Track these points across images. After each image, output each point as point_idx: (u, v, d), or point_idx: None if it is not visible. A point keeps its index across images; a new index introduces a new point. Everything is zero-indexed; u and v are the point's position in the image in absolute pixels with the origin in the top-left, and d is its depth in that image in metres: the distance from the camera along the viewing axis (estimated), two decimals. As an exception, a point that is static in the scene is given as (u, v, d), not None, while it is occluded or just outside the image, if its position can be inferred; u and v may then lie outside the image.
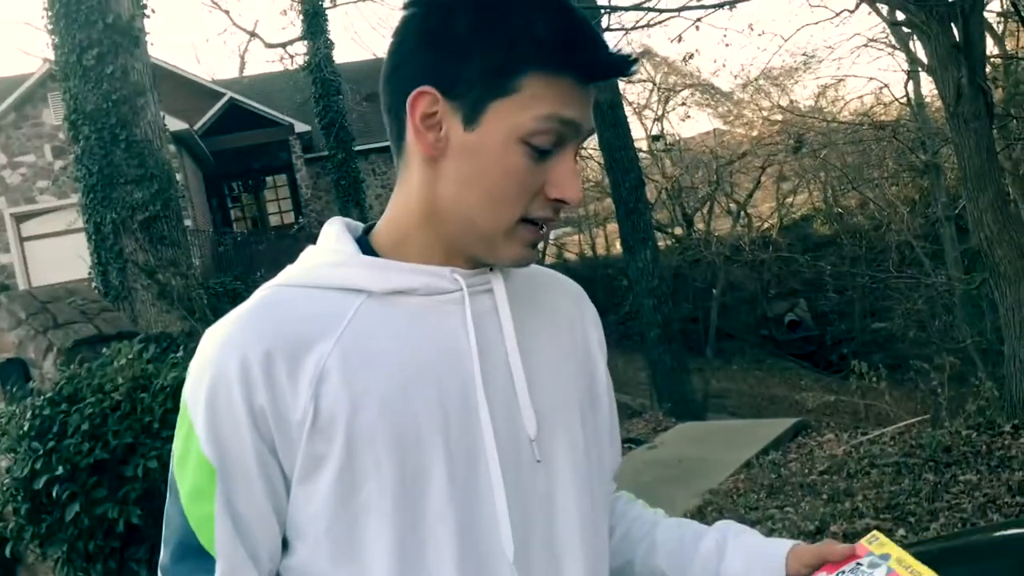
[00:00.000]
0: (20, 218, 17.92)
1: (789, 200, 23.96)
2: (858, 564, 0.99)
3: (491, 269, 0.99)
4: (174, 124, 15.44)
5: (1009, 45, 14.02)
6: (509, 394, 0.96)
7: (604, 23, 12.33)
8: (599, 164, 20.01)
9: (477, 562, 0.91)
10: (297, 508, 0.91)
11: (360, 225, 1.04)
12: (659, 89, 23.04)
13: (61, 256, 16.07)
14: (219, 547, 0.90)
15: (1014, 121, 11.75)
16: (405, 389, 0.90)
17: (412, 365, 0.92)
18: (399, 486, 0.89)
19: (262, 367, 0.88)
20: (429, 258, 0.97)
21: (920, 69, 13.75)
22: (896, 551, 1.00)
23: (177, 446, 0.93)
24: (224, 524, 0.90)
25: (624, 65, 0.92)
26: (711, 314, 18.40)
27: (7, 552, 4.93)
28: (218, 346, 0.91)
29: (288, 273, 0.98)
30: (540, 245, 1.01)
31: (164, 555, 0.94)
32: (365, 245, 0.99)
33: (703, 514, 5.38)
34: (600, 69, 0.92)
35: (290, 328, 0.91)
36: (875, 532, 1.02)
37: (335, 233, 1.00)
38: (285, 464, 0.90)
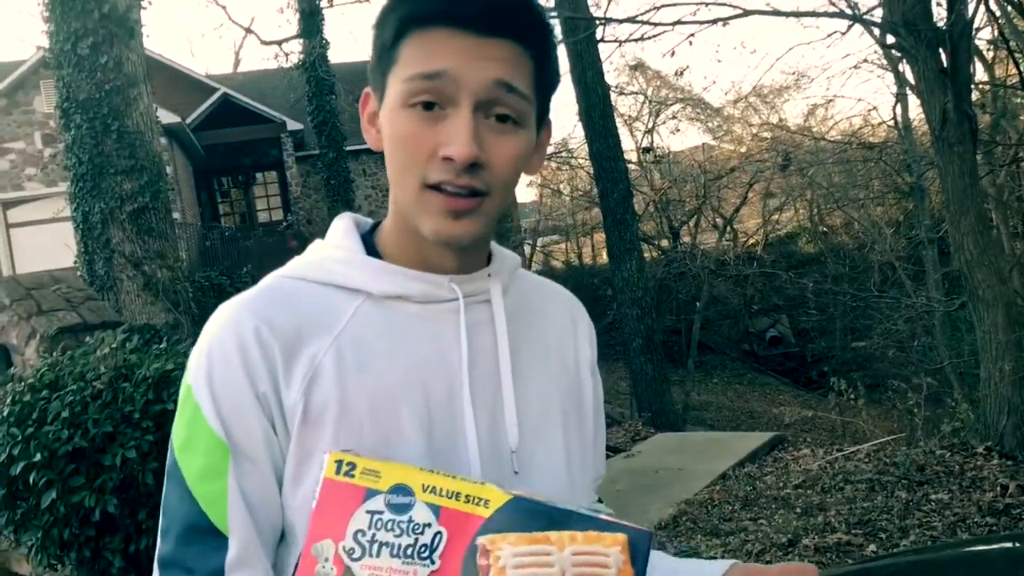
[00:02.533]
0: (7, 204, 17.84)
1: (775, 217, 24.09)
2: (371, 514, 0.79)
3: (489, 276, 1.00)
4: (166, 117, 15.41)
5: (998, 72, 14.19)
6: (495, 405, 0.96)
7: (599, 34, 12.41)
8: (588, 174, 20.08)
9: None
10: (285, 501, 0.91)
11: (369, 222, 1.05)
12: (650, 102, 23.14)
13: (47, 244, 16.01)
14: (232, 523, 0.88)
15: (999, 147, 11.90)
16: (393, 393, 0.91)
17: (403, 370, 0.93)
18: None
19: (262, 353, 0.90)
20: (413, 253, 0.97)
21: (908, 91, 13.91)
22: (408, 475, 0.80)
23: (179, 433, 0.92)
24: (237, 500, 0.89)
25: (503, 6, 0.90)
26: (694, 327, 18.48)
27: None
28: (221, 329, 0.92)
29: (294, 264, 1.00)
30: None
31: (164, 546, 0.90)
32: (370, 243, 1.00)
33: (677, 523, 5.43)
34: (469, 8, 0.88)
35: (290, 320, 0.92)
36: (336, 455, 0.82)
37: (343, 229, 1.01)
38: (282, 447, 0.91)
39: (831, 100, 22.35)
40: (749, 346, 22.42)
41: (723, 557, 4.73)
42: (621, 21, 10.40)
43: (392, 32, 0.91)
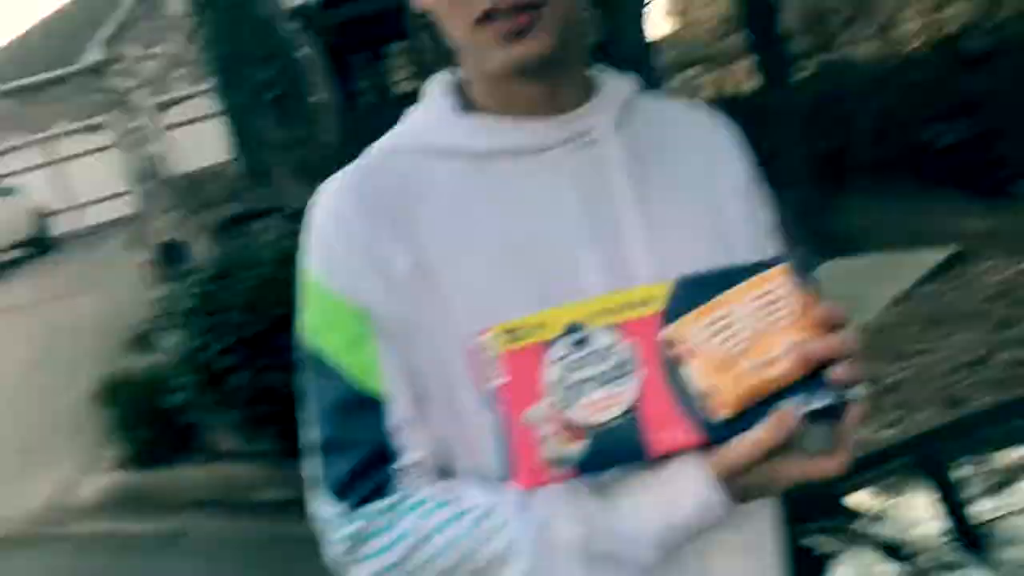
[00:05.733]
0: (162, 107, 18.63)
1: (939, 14, 22.13)
2: (558, 362, 0.77)
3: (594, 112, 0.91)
4: (294, -1, 15.43)
5: None
6: (618, 253, 0.87)
7: None
8: (728, -4, 18.92)
9: None
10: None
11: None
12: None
13: (204, 140, 16.69)
14: (389, 385, 0.85)
15: None
16: (501, 255, 0.85)
17: (509, 230, 0.86)
18: None
19: (369, 224, 0.86)
20: (499, 101, 0.90)
21: None
22: (570, 313, 0.77)
23: (310, 320, 0.89)
24: (389, 361, 0.85)
25: None
26: (856, 144, 17.51)
27: (181, 422, 5.29)
28: (326, 208, 0.89)
29: (390, 135, 0.95)
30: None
31: (317, 432, 0.87)
32: (466, 100, 0.93)
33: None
34: None
35: (388, 189, 0.88)
36: (495, 329, 0.77)
37: (437, 88, 0.95)
38: (396, 312, 0.86)
39: None
40: (919, 157, 21.12)
41: (909, 381, 4.54)
42: None
43: None
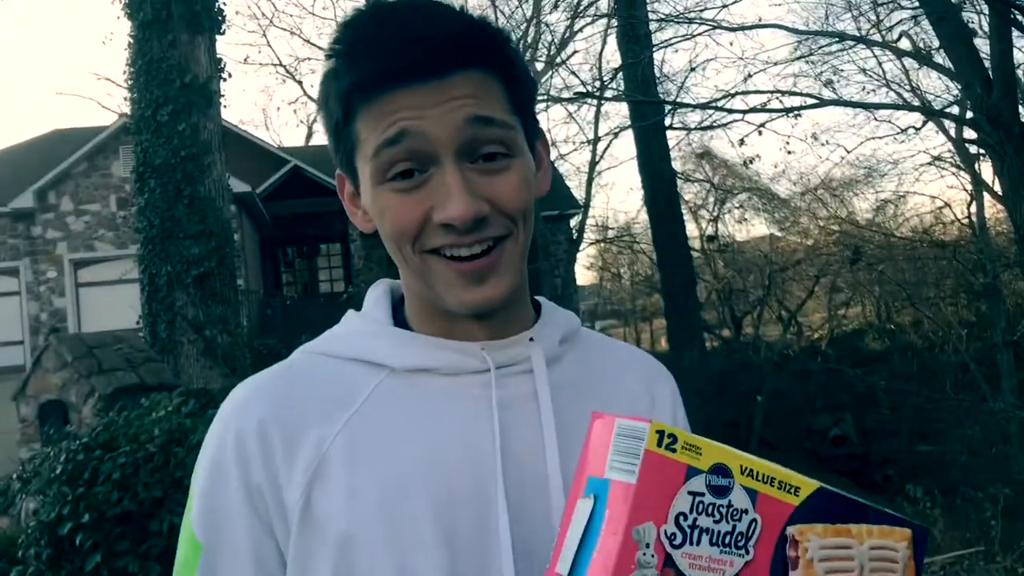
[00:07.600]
0: (78, 264, 18.31)
1: (841, 312, 23.61)
2: (693, 496, 0.70)
3: (531, 341, 0.87)
4: (238, 186, 15.75)
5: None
6: (539, 496, 0.82)
7: (667, 122, 12.44)
8: (650, 259, 19.97)
9: None
10: None
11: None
12: (716, 190, 23.09)
13: (113, 304, 16.33)
14: None
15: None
16: (409, 488, 0.80)
17: (422, 460, 0.81)
18: None
19: (259, 442, 0.82)
20: (438, 321, 0.87)
21: (984, 192, 13.63)
22: (725, 455, 0.73)
23: (187, 507, 0.89)
24: None
25: (444, 41, 0.77)
26: (755, 421, 18.01)
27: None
28: (225, 416, 0.86)
29: (322, 338, 0.92)
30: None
31: None
32: (402, 313, 0.91)
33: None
34: (407, 58, 0.76)
35: (299, 404, 0.84)
36: (656, 424, 0.71)
37: (374, 298, 0.94)
38: (282, 546, 0.82)
39: (903, 196, 21.90)
40: (811, 444, 21.73)
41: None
42: (692, 107, 10.40)
43: (340, 110, 0.81)
